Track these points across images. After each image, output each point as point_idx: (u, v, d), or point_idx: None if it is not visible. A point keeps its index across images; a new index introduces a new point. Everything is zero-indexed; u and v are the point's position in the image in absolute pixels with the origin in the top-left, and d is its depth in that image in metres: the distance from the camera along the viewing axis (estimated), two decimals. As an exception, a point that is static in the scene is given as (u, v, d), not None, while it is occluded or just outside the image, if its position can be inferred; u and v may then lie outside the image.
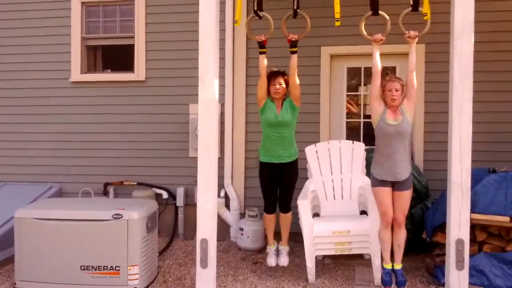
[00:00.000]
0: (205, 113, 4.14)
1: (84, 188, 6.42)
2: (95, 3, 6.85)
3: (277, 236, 5.06)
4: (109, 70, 6.95)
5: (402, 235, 4.33)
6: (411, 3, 4.01)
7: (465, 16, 3.78)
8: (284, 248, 5.04)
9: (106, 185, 6.51)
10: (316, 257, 4.91)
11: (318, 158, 5.45)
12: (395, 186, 4.25)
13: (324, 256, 5.31)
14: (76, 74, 6.78)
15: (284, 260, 4.96)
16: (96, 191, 6.46)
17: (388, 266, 4.41)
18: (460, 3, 3.79)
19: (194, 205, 6.24)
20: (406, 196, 4.26)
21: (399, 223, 4.26)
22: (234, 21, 4.34)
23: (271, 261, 4.97)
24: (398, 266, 4.39)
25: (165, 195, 6.44)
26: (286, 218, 4.99)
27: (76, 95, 6.78)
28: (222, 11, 5.34)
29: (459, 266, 3.96)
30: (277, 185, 4.90)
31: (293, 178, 4.91)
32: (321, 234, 4.75)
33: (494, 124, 5.81)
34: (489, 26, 5.71)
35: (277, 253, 5.04)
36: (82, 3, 6.82)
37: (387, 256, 4.36)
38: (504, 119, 5.84)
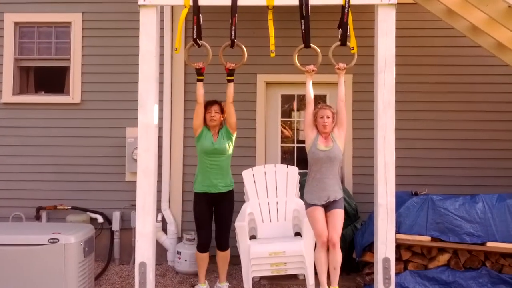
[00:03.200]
0: (145, 137, 4.19)
1: (15, 212, 6.20)
2: (29, 24, 6.74)
3: (210, 271, 5.15)
4: (43, 92, 6.82)
5: (337, 257, 4.30)
6: (340, 38, 4.29)
7: (387, 52, 4.11)
8: (224, 285, 5.05)
9: (38, 209, 6.31)
10: (252, 278, 5.03)
11: (254, 182, 5.62)
12: (327, 207, 4.36)
13: (261, 277, 5.44)
14: (7, 95, 6.60)
15: None
16: (28, 216, 6.25)
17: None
18: (383, 40, 4.12)
19: (130, 229, 6.23)
20: (338, 214, 4.32)
21: (334, 243, 4.26)
22: (174, 48, 4.43)
23: None
24: None
25: (100, 219, 6.34)
26: (224, 256, 4.97)
27: (8, 116, 6.58)
28: (161, 36, 5.44)
29: (386, 283, 4.15)
30: (212, 218, 4.88)
31: (230, 211, 4.90)
32: (258, 256, 4.88)
33: (413, 150, 6.25)
34: (410, 60, 6.20)
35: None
36: (16, 23, 6.68)
37: (323, 279, 4.35)
38: (423, 146, 6.30)
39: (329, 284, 4.39)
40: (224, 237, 4.91)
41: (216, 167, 4.77)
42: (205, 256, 4.91)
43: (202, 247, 4.88)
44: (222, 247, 4.93)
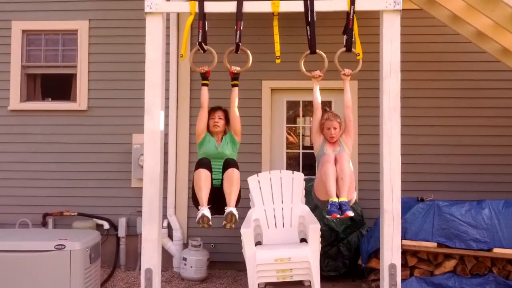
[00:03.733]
0: (151, 143, 4.20)
1: (22, 219, 6.24)
2: (36, 32, 6.80)
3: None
4: (50, 99, 6.87)
5: (346, 169, 4.14)
6: (345, 44, 4.31)
7: (392, 58, 4.11)
8: (232, 209, 4.09)
9: (45, 215, 6.35)
10: (258, 285, 5.02)
11: (260, 188, 5.62)
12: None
13: (266, 284, 5.43)
14: (15, 102, 6.65)
15: (234, 210, 4.06)
16: (34, 222, 6.28)
17: (334, 199, 4.11)
18: (388, 46, 4.13)
19: (136, 235, 6.25)
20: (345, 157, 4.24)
21: (341, 156, 4.18)
22: (180, 55, 4.45)
23: (202, 212, 3.98)
24: (343, 199, 4.10)
25: (106, 225, 6.36)
26: (231, 174, 4.21)
27: (15, 123, 6.64)
28: (167, 43, 5.48)
29: (393, 289, 4.15)
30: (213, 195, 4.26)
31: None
32: (263, 262, 4.87)
33: (419, 156, 6.24)
34: (415, 66, 6.20)
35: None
36: (23, 31, 6.75)
37: (332, 189, 4.11)
38: (428, 152, 6.29)
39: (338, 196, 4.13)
40: (230, 163, 4.30)
41: (219, 173, 4.72)
42: (207, 174, 4.19)
43: (203, 165, 4.23)
44: (230, 166, 4.27)
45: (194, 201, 4.29)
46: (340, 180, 4.17)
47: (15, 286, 4.24)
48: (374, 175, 5.27)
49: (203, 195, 4.11)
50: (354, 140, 5.86)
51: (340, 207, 4.04)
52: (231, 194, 4.16)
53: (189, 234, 6.37)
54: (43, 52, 6.86)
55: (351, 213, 3.97)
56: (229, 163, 4.32)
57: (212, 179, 4.29)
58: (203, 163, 4.27)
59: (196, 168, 4.27)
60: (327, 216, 4.06)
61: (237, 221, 4.01)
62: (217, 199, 4.48)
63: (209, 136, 4.66)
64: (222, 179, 4.30)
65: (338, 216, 3.99)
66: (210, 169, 4.23)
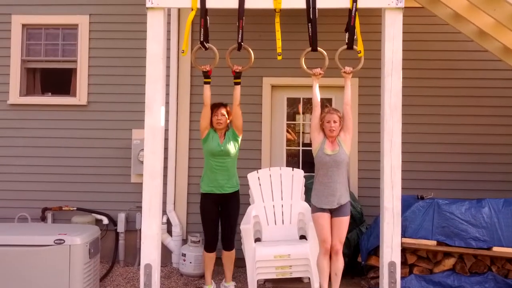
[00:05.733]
0: (151, 139, 4.20)
1: (21, 213, 6.23)
2: (36, 26, 6.77)
3: (216, 273, 5.12)
4: (49, 94, 6.85)
5: (339, 264, 4.37)
6: (346, 42, 4.30)
7: (394, 56, 4.11)
8: (230, 285, 5.06)
9: (44, 210, 6.34)
10: (257, 281, 5.02)
11: (260, 185, 5.62)
12: (333, 212, 4.36)
13: (265, 280, 5.43)
14: (14, 96, 6.63)
15: None
16: (33, 217, 6.28)
17: None
18: (390, 44, 4.12)
19: (135, 231, 6.25)
20: (344, 222, 4.37)
21: (337, 251, 4.32)
22: (181, 51, 4.44)
23: None
24: None
25: (105, 220, 6.35)
26: (229, 256, 4.97)
27: (14, 117, 6.61)
28: (167, 39, 5.46)
29: (392, 287, 4.16)
30: (219, 218, 4.89)
31: (236, 211, 4.90)
32: (263, 258, 4.88)
33: (420, 154, 6.24)
34: (417, 64, 6.20)
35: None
36: (23, 25, 6.72)
37: (325, 284, 4.39)
38: (429, 150, 6.29)
39: None
40: (229, 237, 4.92)
41: (223, 169, 4.78)
42: (212, 256, 4.92)
43: (209, 246, 4.88)
44: (228, 247, 4.93)
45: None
46: (334, 275, 4.40)
47: (14, 280, 4.23)
48: (373, 173, 5.28)
49: (208, 275, 4.98)
50: (354, 138, 5.91)
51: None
52: (229, 269, 5.01)
53: (188, 230, 6.37)
54: (43, 46, 6.83)
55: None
56: (229, 232, 4.92)
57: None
58: (208, 243, 4.91)
59: (202, 204, 4.90)
60: None
61: None
62: (219, 205, 4.66)
63: (212, 132, 4.75)
64: (222, 215, 4.88)
65: None
66: (215, 246, 4.95)
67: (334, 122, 4.39)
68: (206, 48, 4.40)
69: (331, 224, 4.37)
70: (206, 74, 4.62)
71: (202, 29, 4.29)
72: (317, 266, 4.50)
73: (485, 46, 5.61)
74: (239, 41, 4.31)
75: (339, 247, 4.33)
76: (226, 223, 4.88)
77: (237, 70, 4.59)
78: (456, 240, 4.97)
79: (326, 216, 4.36)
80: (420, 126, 6.28)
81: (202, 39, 4.32)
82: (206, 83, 4.68)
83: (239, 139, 4.89)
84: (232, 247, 4.95)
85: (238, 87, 4.68)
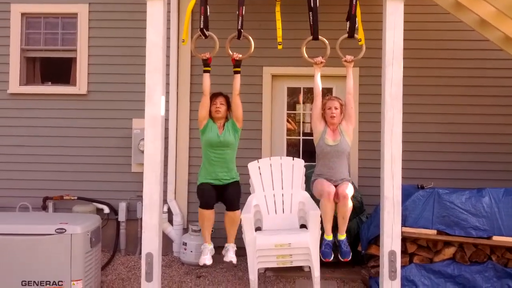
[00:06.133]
0: (152, 128, 4.18)
1: (22, 202, 6.25)
2: (36, 15, 6.75)
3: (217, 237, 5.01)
4: (49, 83, 6.83)
5: (347, 208, 4.26)
6: (347, 31, 4.27)
7: (395, 45, 4.08)
8: (231, 246, 4.66)
9: (45, 199, 6.36)
10: (258, 270, 5.05)
11: (260, 174, 5.63)
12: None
13: (266, 269, 5.46)
14: (14, 85, 6.62)
15: (232, 256, 4.57)
16: (34, 206, 6.30)
17: (329, 237, 4.35)
18: (391, 33, 4.09)
19: (136, 220, 6.28)
20: (347, 182, 4.35)
21: (344, 195, 4.23)
22: (181, 40, 4.42)
23: (205, 259, 4.48)
24: (342, 236, 4.36)
25: (106, 210, 6.38)
26: (234, 217, 4.56)
27: (14, 107, 6.62)
28: (167, 28, 5.42)
29: (392, 276, 4.16)
30: (216, 196, 4.58)
31: (237, 193, 4.67)
32: (263, 247, 4.89)
33: (420, 144, 6.25)
34: (418, 53, 6.17)
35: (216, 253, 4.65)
36: (22, 14, 6.70)
37: (328, 227, 4.29)
38: (429, 139, 6.29)
39: (336, 231, 4.34)
40: (233, 200, 4.57)
41: (221, 160, 4.62)
42: (210, 214, 4.47)
43: (205, 204, 4.48)
44: (233, 208, 4.55)
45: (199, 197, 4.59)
46: (341, 219, 4.32)
47: (15, 269, 4.26)
48: (374, 162, 5.28)
49: (207, 234, 4.55)
50: (355, 127, 5.89)
51: (340, 246, 4.32)
52: (231, 231, 4.63)
53: (189, 219, 6.40)
54: (43, 35, 6.81)
55: (349, 258, 4.31)
56: (232, 198, 4.55)
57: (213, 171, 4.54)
58: (204, 197, 4.48)
59: (199, 197, 4.55)
60: (320, 255, 4.37)
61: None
62: (218, 193, 4.56)
63: (211, 123, 4.65)
64: (223, 191, 4.57)
65: (329, 260, 4.31)
66: (212, 204, 4.49)
67: (335, 108, 4.39)
68: (206, 36, 4.36)
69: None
70: (206, 62, 4.57)
71: (202, 16, 4.25)
72: (320, 209, 4.40)
73: (486, 35, 5.59)
74: (239, 27, 4.28)
75: (348, 192, 4.23)
76: (228, 195, 4.59)
77: (237, 58, 4.54)
78: (456, 229, 4.98)
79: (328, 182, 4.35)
80: (421, 116, 6.28)
81: (202, 26, 4.28)
82: (205, 71, 4.61)
83: (239, 131, 4.72)
84: (236, 207, 4.57)
85: (238, 76, 4.63)
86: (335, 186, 4.37)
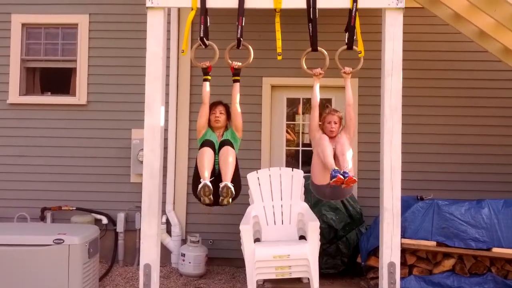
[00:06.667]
0: (151, 139, 4.18)
1: (20, 213, 6.23)
2: (36, 25, 6.77)
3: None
4: (49, 93, 6.84)
5: (346, 146, 4.23)
6: (346, 42, 4.29)
7: (394, 56, 4.10)
8: (227, 183, 4.02)
9: (43, 210, 6.33)
10: (257, 281, 5.01)
11: (259, 185, 5.61)
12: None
13: (265, 281, 5.42)
14: (14, 96, 6.63)
15: (227, 183, 3.99)
16: (32, 216, 6.28)
17: (335, 168, 4.09)
18: (390, 44, 4.11)
19: (135, 230, 6.25)
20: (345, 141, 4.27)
21: (340, 138, 4.22)
22: (181, 51, 4.43)
23: (203, 182, 3.95)
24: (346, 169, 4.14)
25: (104, 220, 6.35)
26: (227, 152, 4.20)
27: (14, 117, 6.62)
28: (167, 38, 5.44)
29: (391, 288, 4.15)
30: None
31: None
32: (262, 259, 4.86)
33: (419, 155, 6.25)
34: (417, 64, 6.19)
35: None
36: (23, 24, 6.72)
37: (330, 161, 4.15)
38: (429, 150, 6.29)
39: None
40: (228, 142, 4.30)
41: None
42: (210, 152, 4.19)
43: (206, 143, 4.26)
44: (226, 144, 4.27)
45: (195, 184, 4.17)
46: (341, 156, 4.18)
47: (13, 280, 4.23)
48: (373, 173, 5.28)
49: (206, 171, 4.05)
50: (354, 138, 5.89)
51: (343, 175, 4.00)
52: (226, 170, 4.11)
53: (188, 230, 6.37)
54: (43, 45, 6.83)
55: (355, 178, 4.00)
56: (224, 143, 4.28)
57: (213, 167, 4.23)
58: (207, 141, 4.25)
59: (200, 147, 4.25)
60: (330, 182, 3.98)
61: (233, 195, 3.95)
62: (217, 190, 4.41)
63: (210, 131, 4.62)
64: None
65: (342, 178, 3.93)
66: (214, 149, 4.19)
67: (335, 123, 4.39)
68: (206, 45, 4.37)
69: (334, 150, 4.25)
70: (206, 71, 4.56)
71: (202, 25, 4.27)
72: (319, 151, 4.28)
73: (485, 46, 5.61)
74: (239, 36, 4.29)
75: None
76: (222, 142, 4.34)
77: (236, 67, 4.53)
78: (455, 241, 4.97)
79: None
80: (420, 127, 6.28)
81: (202, 35, 4.30)
82: (205, 80, 4.60)
83: (239, 141, 4.70)
84: (231, 145, 4.28)
85: (237, 85, 4.62)
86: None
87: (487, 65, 6.25)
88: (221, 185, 3.97)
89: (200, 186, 3.92)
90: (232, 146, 4.28)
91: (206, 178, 4.02)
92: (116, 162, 6.51)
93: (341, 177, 3.94)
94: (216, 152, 4.48)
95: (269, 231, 5.46)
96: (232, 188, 3.96)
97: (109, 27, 6.63)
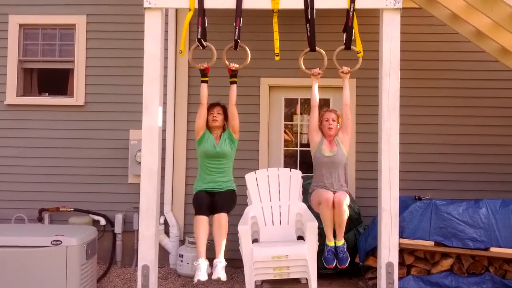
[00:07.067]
0: (149, 139, 4.19)
1: (18, 214, 6.21)
2: (34, 26, 6.75)
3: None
4: (46, 94, 6.83)
5: (342, 216, 4.22)
6: (344, 42, 4.30)
7: (392, 56, 4.12)
8: (219, 261, 4.17)
9: (41, 211, 6.32)
10: (255, 282, 5.00)
11: (257, 185, 5.61)
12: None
13: (263, 281, 5.41)
14: (11, 97, 6.61)
15: (221, 273, 4.08)
16: (30, 217, 6.26)
17: (331, 243, 4.34)
18: (388, 44, 4.13)
19: (133, 231, 6.24)
20: (341, 191, 4.33)
21: (339, 202, 4.19)
22: (179, 51, 4.43)
23: (199, 275, 4.03)
24: (339, 242, 4.34)
25: (102, 221, 6.34)
26: (221, 220, 4.26)
27: (11, 118, 6.60)
28: (165, 39, 5.44)
29: (390, 288, 4.16)
30: (211, 202, 4.45)
31: (230, 195, 4.55)
32: (260, 259, 4.86)
33: (417, 155, 6.25)
34: (414, 64, 6.20)
35: (211, 268, 4.21)
36: (20, 25, 6.70)
37: (329, 233, 4.32)
38: (426, 150, 6.30)
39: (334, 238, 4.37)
40: (223, 204, 4.39)
41: (217, 171, 4.59)
42: (205, 220, 4.26)
43: (200, 208, 4.32)
44: (221, 210, 4.33)
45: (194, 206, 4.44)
46: (338, 226, 4.31)
47: (11, 281, 4.22)
48: (371, 173, 5.29)
49: (202, 245, 4.20)
50: (352, 138, 5.90)
51: (337, 252, 4.33)
52: (220, 241, 4.26)
53: (186, 230, 6.36)
54: (40, 46, 6.81)
55: (347, 265, 4.34)
56: (222, 200, 4.43)
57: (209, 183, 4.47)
58: (200, 205, 4.35)
59: (194, 206, 4.41)
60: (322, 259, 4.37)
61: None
62: (211, 202, 4.49)
63: (208, 133, 4.64)
64: (215, 205, 4.40)
65: (333, 266, 4.32)
66: (208, 210, 4.34)
67: (333, 120, 4.41)
68: (203, 46, 4.38)
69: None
70: (204, 72, 4.57)
71: (200, 27, 4.28)
72: (320, 217, 4.39)
73: (482, 46, 5.62)
74: (236, 38, 4.29)
75: (342, 198, 4.21)
76: (220, 201, 4.44)
77: (233, 68, 4.55)
78: (453, 240, 4.97)
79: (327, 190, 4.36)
80: (418, 127, 6.29)
81: (199, 37, 4.30)
82: (203, 81, 4.62)
83: (236, 142, 4.71)
84: (224, 210, 4.35)
85: (234, 87, 4.63)
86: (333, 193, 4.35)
87: (485, 65, 6.27)
88: (214, 270, 4.10)
89: (195, 278, 4.06)
90: (228, 211, 4.41)
91: (202, 254, 4.15)
92: (114, 163, 6.50)
93: (333, 265, 4.31)
94: (213, 156, 4.53)
95: (267, 231, 5.46)
96: (224, 278, 4.11)
97: (106, 27, 6.62)
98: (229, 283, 5.54)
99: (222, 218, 4.28)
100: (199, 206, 4.35)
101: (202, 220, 4.25)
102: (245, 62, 4.49)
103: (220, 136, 4.69)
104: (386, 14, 4.14)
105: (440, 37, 6.32)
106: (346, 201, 4.27)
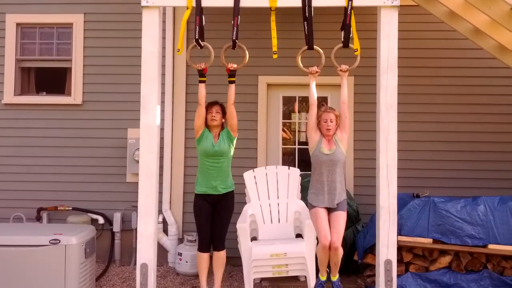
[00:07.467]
0: (147, 138, 4.19)
1: (16, 213, 6.20)
2: (31, 25, 6.74)
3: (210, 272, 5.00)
4: (44, 93, 6.81)
5: (339, 257, 4.32)
6: (342, 40, 4.30)
7: (389, 54, 4.12)
8: None
9: (39, 210, 6.31)
10: (254, 280, 5.01)
11: (256, 183, 5.62)
12: (331, 208, 4.37)
13: (262, 279, 5.43)
14: (9, 96, 6.60)
15: None
16: (28, 217, 6.25)
17: (323, 278, 4.47)
18: (385, 42, 4.13)
19: (131, 230, 6.24)
20: (341, 216, 4.33)
21: (336, 248, 4.25)
22: (177, 50, 4.43)
23: None
24: (334, 278, 4.42)
25: (101, 220, 6.33)
26: (220, 257, 4.81)
27: (9, 117, 6.58)
28: (162, 37, 5.44)
29: (388, 285, 4.16)
30: (212, 218, 4.79)
31: (229, 212, 4.82)
32: (259, 257, 4.87)
33: (415, 152, 6.26)
34: (412, 62, 6.21)
35: None
36: (18, 24, 6.69)
37: (323, 270, 4.43)
38: (424, 148, 6.31)
39: (329, 273, 4.48)
40: (220, 236, 4.80)
41: (216, 169, 4.71)
42: (206, 256, 4.78)
43: (203, 246, 4.78)
44: (219, 247, 4.80)
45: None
46: (333, 265, 4.39)
47: (9, 281, 4.21)
48: (369, 171, 5.29)
49: (203, 278, 4.81)
50: (350, 136, 5.91)
51: (332, 286, 4.40)
52: (219, 274, 4.84)
53: (184, 229, 6.36)
54: (38, 45, 6.80)
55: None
56: (220, 228, 4.80)
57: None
58: (202, 241, 4.79)
59: (195, 205, 4.81)
60: None
61: None
62: (212, 210, 4.62)
63: (207, 132, 4.68)
64: (214, 215, 4.78)
65: None
66: (209, 247, 4.81)
67: (331, 121, 4.40)
68: (201, 46, 4.38)
69: (329, 220, 4.35)
70: (201, 73, 4.59)
71: (197, 27, 4.28)
72: (317, 255, 4.49)
73: (480, 44, 5.62)
74: (234, 38, 4.29)
75: (338, 244, 4.26)
76: (218, 222, 4.78)
77: (232, 68, 4.56)
78: (451, 238, 4.98)
79: (324, 211, 4.37)
80: (416, 124, 6.29)
81: (197, 37, 4.30)
82: (201, 81, 4.64)
83: (234, 140, 4.78)
84: (222, 247, 4.81)
85: (232, 86, 4.65)
86: (331, 210, 4.38)
87: (482, 63, 6.27)
88: None
89: None
90: (227, 227, 4.86)
91: (204, 285, 4.77)
92: (112, 161, 6.49)
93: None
94: (212, 155, 4.59)
95: (266, 229, 5.47)
96: None
97: (104, 26, 6.60)
98: (228, 281, 5.55)
99: (222, 256, 4.83)
100: (201, 236, 4.80)
101: (204, 257, 4.79)
102: (244, 62, 4.49)
103: (219, 134, 4.73)
104: (384, 11, 4.14)
105: (438, 35, 6.33)
106: (344, 217, 4.38)
